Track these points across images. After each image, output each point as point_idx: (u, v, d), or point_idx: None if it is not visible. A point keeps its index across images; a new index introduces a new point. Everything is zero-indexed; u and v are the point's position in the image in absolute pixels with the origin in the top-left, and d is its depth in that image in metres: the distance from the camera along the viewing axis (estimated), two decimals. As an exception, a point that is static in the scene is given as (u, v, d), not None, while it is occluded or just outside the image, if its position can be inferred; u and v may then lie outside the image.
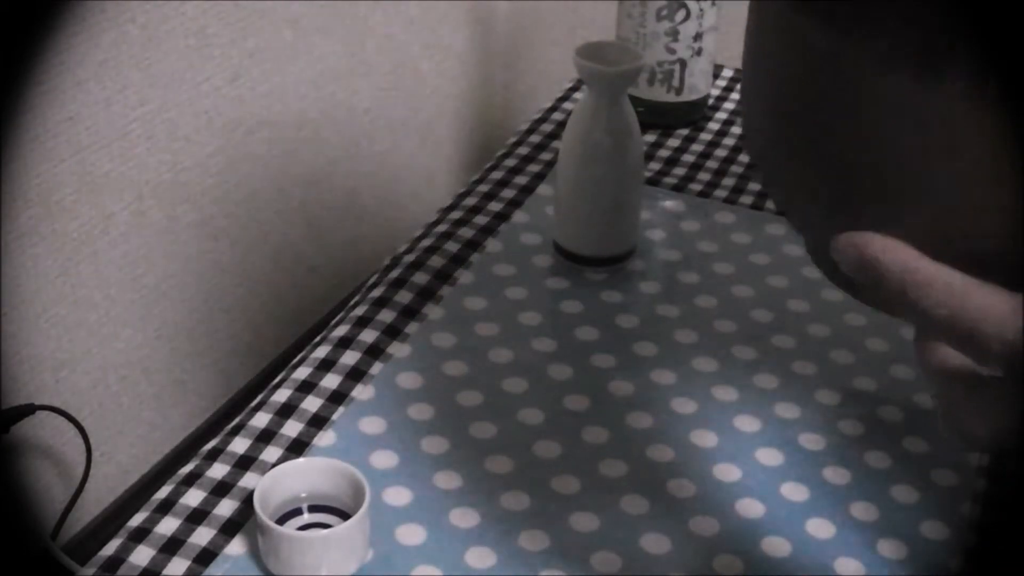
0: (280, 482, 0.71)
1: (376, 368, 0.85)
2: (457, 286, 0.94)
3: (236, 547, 0.71)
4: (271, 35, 1.33)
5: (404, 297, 0.92)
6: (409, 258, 0.97)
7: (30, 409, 1.10)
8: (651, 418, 0.82)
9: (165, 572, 0.70)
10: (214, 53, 1.25)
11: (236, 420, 0.81)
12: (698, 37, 1.14)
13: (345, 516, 0.71)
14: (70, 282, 1.15)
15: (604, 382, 0.85)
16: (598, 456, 0.79)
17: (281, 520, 0.71)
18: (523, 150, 1.14)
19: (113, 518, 1.24)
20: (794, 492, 0.77)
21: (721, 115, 1.24)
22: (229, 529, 0.73)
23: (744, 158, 1.15)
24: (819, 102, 0.41)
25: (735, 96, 1.28)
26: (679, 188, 1.09)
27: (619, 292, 0.94)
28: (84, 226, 1.15)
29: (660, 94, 1.17)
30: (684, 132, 1.18)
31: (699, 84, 1.17)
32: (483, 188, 1.08)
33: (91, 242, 1.16)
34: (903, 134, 0.39)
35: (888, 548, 0.73)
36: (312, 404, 0.82)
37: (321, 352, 0.86)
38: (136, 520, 0.73)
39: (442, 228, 1.01)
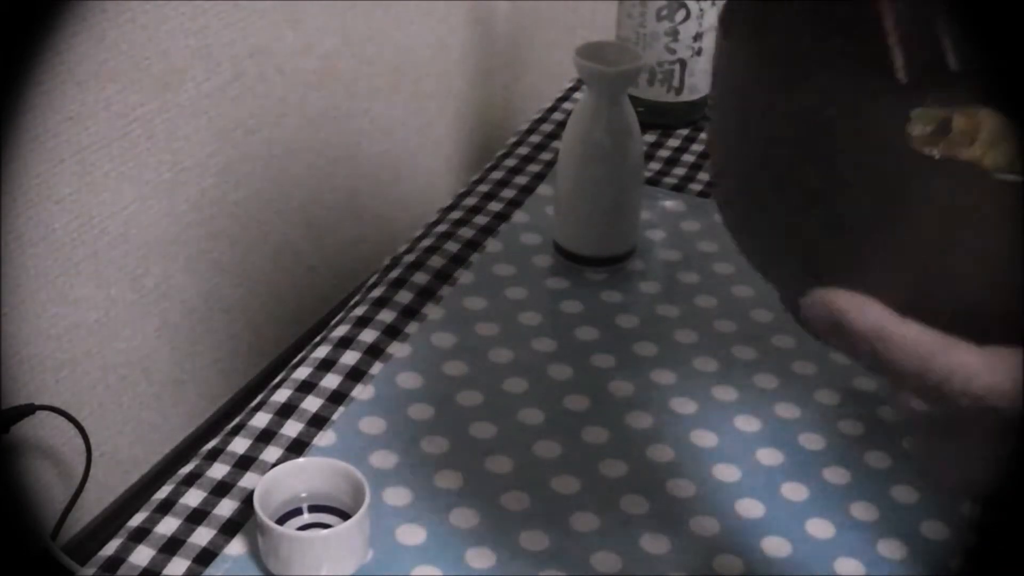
0: (280, 482, 0.71)
1: (376, 368, 0.85)
2: (457, 286, 0.94)
3: (236, 547, 0.71)
4: (271, 35, 1.33)
5: (404, 297, 0.92)
6: (409, 258, 0.97)
7: (30, 409, 1.10)
8: (651, 418, 0.82)
9: (165, 572, 0.70)
10: (214, 53, 1.25)
11: (236, 420, 0.81)
12: (698, 37, 1.14)
13: (345, 516, 0.71)
14: (70, 282, 1.15)
15: (604, 382, 0.85)
16: (598, 456, 0.79)
17: (281, 520, 0.71)
18: (523, 150, 1.14)
19: (113, 518, 1.24)
20: (794, 492, 0.77)
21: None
22: (229, 529, 0.73)
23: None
24: (787, 166, 0.41)
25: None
26: (679, 188, 1.09)
27: (619, 292, 0.94)
28: (84, 226, 1.15)
29: (660, 94, 1.17)
30: (684, 132, 1.18)
31: (699, 84, 1.17)
32: (483, 188, 1.08)
33: (91, 242, 1.16)
34: (871, 196, 0.39)
35: (888, 548, 0.73)
36: (312, 404, 0.82)
37: (321, 352, 0.86)
38: (136, 520, 0.73)
39: (442, 228, 1.01)
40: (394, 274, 0.95)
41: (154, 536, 0.72)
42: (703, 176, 1.11)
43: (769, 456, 0.79)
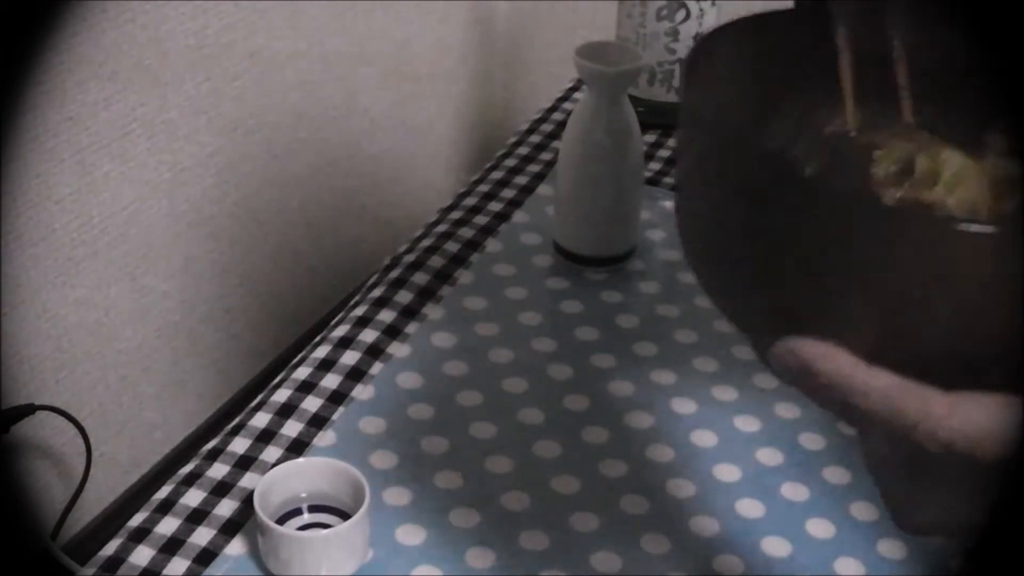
0: (280, 482, 0.71)
1: (376, 368, 0.85)
2: (457, 286, 0.94)
3: (236, 547, 0.71)
4: (271, 35, 1.33)
5: (404, 297, 0.92)
6: (409, 258, 0.97)
7: (30, 409, 1.10)
8: (651, 418, 0.82)
9: (165, 572, 0.70)
10: (214, 53, 1.25)
11: (236, 420, 0.81)
12: (698, 37, 1.14)
13: (345, 516, 0.70)
14: (70, 282, 1.15)
15: (604, 382, 0.85)
16: (598, 456, 0.79)
17: (281, 520, 0.71)
18: (523, 150, 1.14)
19: (113, 518, 1.24)
20: (794, 492, 0.77)
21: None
22: (229, 529, 0.73)
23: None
24: (752, 213, 0.41)
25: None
26: (679, 188, 1.09)
27: (619, 292, 0.94)
28: (84, 226, 1.15)
29: (660, 94, 1.17)
30: (684, 132, 1.18)
31: (699, 84, 1.17)
32: (483, 188, 1.07)
33: (91, 242, 1.16)
34: (835, 246, 0.39)
35: (888, 548, 0.73)
36: (312, 404, 0.82)
37: (321, 352, 0.86)
38: (136, 520, 0.73)
39: (442, 228, 1.01)
40: (394, 274, 0.95)
41: (154, 536, 0.72)
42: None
43: (769, 456, 0.79)
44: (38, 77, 1.05)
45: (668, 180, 1.10)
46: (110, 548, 0.71)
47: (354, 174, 1.56)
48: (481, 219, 1.03)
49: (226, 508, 0.74)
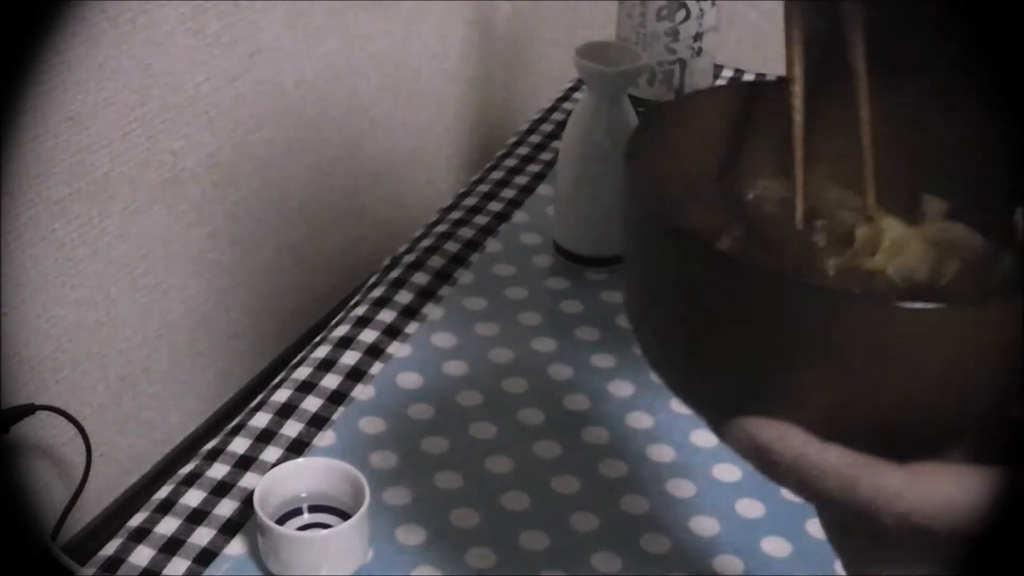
0: (280, 482, 0.71)
1: (376, 368, 0.85)
2: (457, 286, 0.94)
3: (236, 547, 0.71)
4: (271, 35, 1.33)
5: (404, 297, 0.92)
6: (409, 258, 0.97)
7: (30, 409, 1.10)
8: (651, 418, 0.82)
9: (165, 572, 0.70)
10: (214, 53, 1.25)
11: (236, 420, 0.81)
12: (698, 37, 1.14)
13: (345, 516, 0.70)
14: (70, 282, 1.15)
15: (604, 382, 0.85)
16: (598, 456, 0.79)
17: (281, 520, 0.71)
18: (523, 150, 1.14)
19: (113, 518, 1.24)
20: (794, 492, 0.77)
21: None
22: (229, 529, 0.73)
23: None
24: (696, 298, 0.41)
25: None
26: (679, 188, 1.09)
27: (619, 292, 0.94)
28: (84, 226, 1.15)
29: (660, 94, 1.17)
30: (684, 132, 1.18)
31: (699, 84, 1.17)
32: (483, 188, 1.07)
33: (91, 242, 1.16)
34: (776, 331, 0.39)
35: (888, 548, 0.73)
36: (312, 404, 0.82)
37: (321, 352, 0.86)
38: (136, 520, 0.73)
39: (442, 228, 1.01)
40: (394, 274, 0.95)
41: (154, 536, 0.72)
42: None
43: (769, 456, 0.79)
44: (38, 77, 1.05)
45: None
46: (110, 548, 0.71)
47: (354, 174, 1.56)
48: (481, 219, 1.03)
49: (226, 508, 0.74)
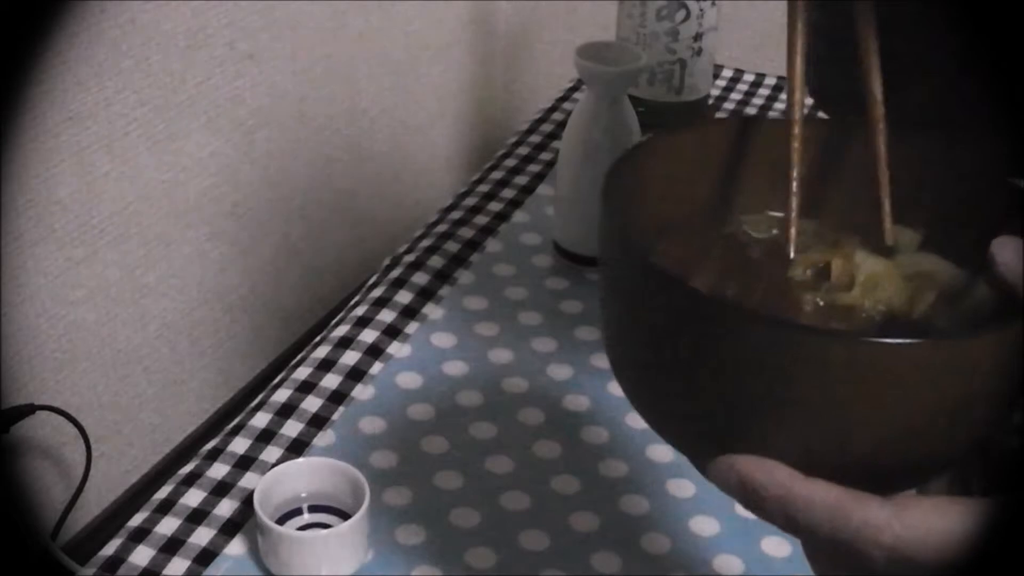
0: (280, 482, 0.71)
1: (376, 368, 0.85)
2: (457, 286, 0.94)
3: (236, 547, 0.71)
4: (271, 35, 1.33)
5: (404, 297, 0.92)
6: (409, 258, 0.97)
7: (30, 409, 1.10)
8: (651, 418, 0.82)
9: (165, 572, 0.70)
10: (214, 53, 1.25)
11: (236, 420, 0.81)
12: (698, 37, 1.14)
13: (345, 516, 0.70)
14: (70, 282, 1.15)
15: (604, 383, 0.85)
16: (598, 456, 0.79)
17: (281, 520, 0.71)
18: (523, 150, 1.14)
19: (113, 518, 1.24)
20: (794, 492, 0.77)
21: (721, 115, 1.24)
22: (229, 529, 0.73)
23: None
24: (674, 340, 0.41)
25: (735, 96, 1.28)
26: (679, 188, 1.09)
27: (619, 292, 0.94)
28: (84, 226, 1.15)
29: (660, 94, 1.17)
30: (684, 132, 1.18)
31: (699, 84, 1.17)
32: (483, 188, 1.08)
33: (91, 242, 1.16)
34: (752, 371, 0.39)
35: (888, 548, 0.73)
36: (312, 404, 0.82)
37: (321, 352, 0.86)
38: (136, 520, 0.73)
39: (442, 228, 1.01)
40: (394, 274, 0.95)
41: (154, 536, 0.72)
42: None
43: (769, 456, 0.79)
44: (38, 77, 1.05)
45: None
46: (110, 548, 0.71)
47: (354, 174, 1.56)
48: (481, 219, 1.03)
49: (226, 508, 0.74)
